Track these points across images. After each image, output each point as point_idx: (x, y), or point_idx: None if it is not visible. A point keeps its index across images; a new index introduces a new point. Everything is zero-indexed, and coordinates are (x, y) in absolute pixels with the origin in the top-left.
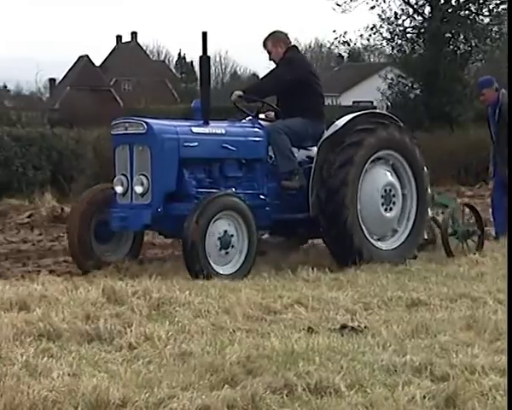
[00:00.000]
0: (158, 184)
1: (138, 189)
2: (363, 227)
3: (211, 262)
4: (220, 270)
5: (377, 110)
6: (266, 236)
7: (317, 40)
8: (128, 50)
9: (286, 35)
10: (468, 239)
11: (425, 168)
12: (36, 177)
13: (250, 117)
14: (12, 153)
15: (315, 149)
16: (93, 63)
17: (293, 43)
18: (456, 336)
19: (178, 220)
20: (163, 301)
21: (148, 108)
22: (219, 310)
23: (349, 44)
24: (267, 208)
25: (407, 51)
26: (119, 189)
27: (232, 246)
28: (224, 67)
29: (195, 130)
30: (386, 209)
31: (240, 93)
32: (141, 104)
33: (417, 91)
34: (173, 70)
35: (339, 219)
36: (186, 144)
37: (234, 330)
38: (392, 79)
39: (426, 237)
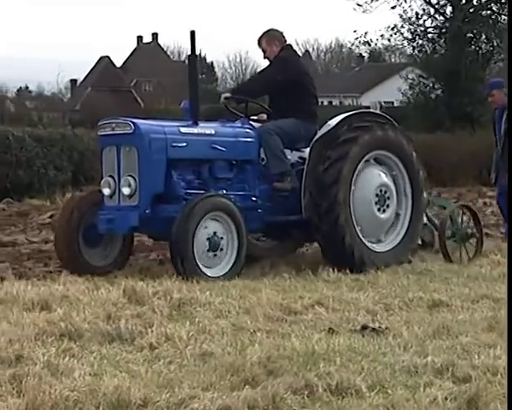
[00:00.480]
0: (145, 185)
1: (125, 190)
2: (356, 226)
3: (199, 264)
4: (209, 272)
5: (371, 110)
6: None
7: (337, 40)
8: (149, 51)
9: (281, 33)
10: (467, 242)
11: (421, 172)
12: (57, 177)
13: (241, 118)
14: (33, 153)
15: (307, 150)
16: (114, 64)
17: (288, 42)
18: (478, 338)
19: (167, 222)
20: (184, 302)
21: (169, 109)
22: (240, 310)
23: (370, 45)
24: (259, 210)
25: (428, 51)
26: (106, 191)
27: (221, 248)
28: (244, 67)
29: (184, 130)
30: (379, 210)
31: (227, 95)
32: (161, 105)
33: (438, 92)
34: None
35: (331, 216)
36: (174, 145)
37: (254, 331)
38: (413, 79)
39: (420, 242)
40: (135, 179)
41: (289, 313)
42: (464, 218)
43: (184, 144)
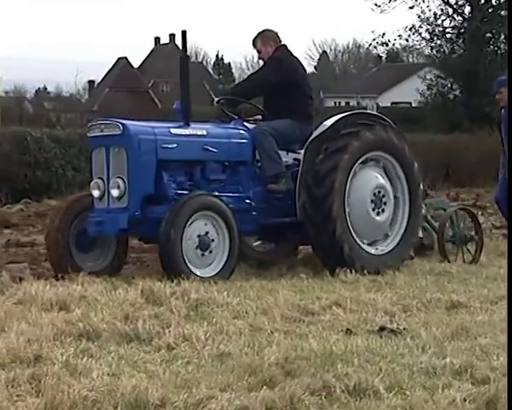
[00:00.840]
0: (135, 186)
1: (114, 192)
2: (354, 234)
3: (189, 265)
4: (200, 272)
5: (365, 110)
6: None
7: (355, 41)
8: (166, 52)
9: (276, 34)
10: (466, 245)
11: (415, 164)
12: (75, 178)
13: (235, 119)
14: (52, 154)
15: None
16: (131, 65)
17: (283, 43)
18: (497, 339)
19: (157, 224)
20: (201, 302)
21: None
22: (257, 311)
23: (388, 45)
24: (253, 213)
25: (446, 52)
26: (95, 193)
27: (212, 247)
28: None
29: (174, 131)
30: (377, 213)
31: (220, 98)
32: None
33: (457, 92)
34: (211, 71)
35: (327, 230)
36: (164, 146)
37: (272, 332)
38: (431, 79)
39: (421, 235)
40: (124, 181)
41: (307, 314)
42: (464, 220)
43: (175, 145)
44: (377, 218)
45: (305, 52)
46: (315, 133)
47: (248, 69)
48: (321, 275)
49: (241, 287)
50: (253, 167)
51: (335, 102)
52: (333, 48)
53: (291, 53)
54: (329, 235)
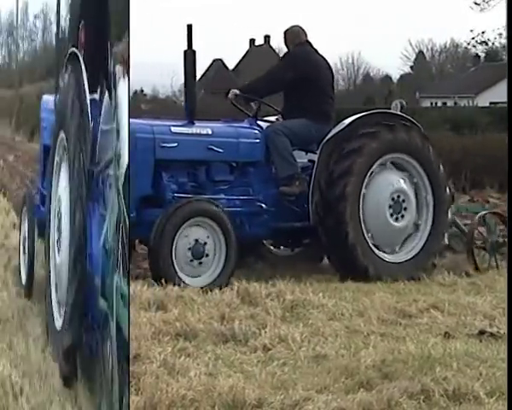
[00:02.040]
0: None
1: None
2: (369, 240)
3: (179, 273)
4: (192, 281)
5: (388, 110)
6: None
7: (452, 40)
8: (261, 54)
9: (301, 30)
10: (497, 251)
11: (441, 167)
12: None
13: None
14: None
15: None
16: (227, 67)
17: (306, 39)
18: None
19: None
20: (296, 303)
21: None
22: (353, 313)
23: (487, 44)
24: (264, 216)
25: None
26: None
27: (206, 255)
28: (356, 68)
29: (175, 130)
30: (395, 218)
31: (236, 92)
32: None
33: None
34: None
35: (339, 235)
36: (163, 145)
37: (368, 334)
38: None
39: (447, 242)
40: None
41: (404, 317)
42: (496, 226)
43: (175, 145)
44: (396, 224)
45: (400, 52)
46: (330, 134)
47: (343, 69)
48: (418, 277)
49: (337, 288)
50: (264, 168)
51: (432, 103)
52: (429, 47)
53: (315, 50)
54: (342, 239)
